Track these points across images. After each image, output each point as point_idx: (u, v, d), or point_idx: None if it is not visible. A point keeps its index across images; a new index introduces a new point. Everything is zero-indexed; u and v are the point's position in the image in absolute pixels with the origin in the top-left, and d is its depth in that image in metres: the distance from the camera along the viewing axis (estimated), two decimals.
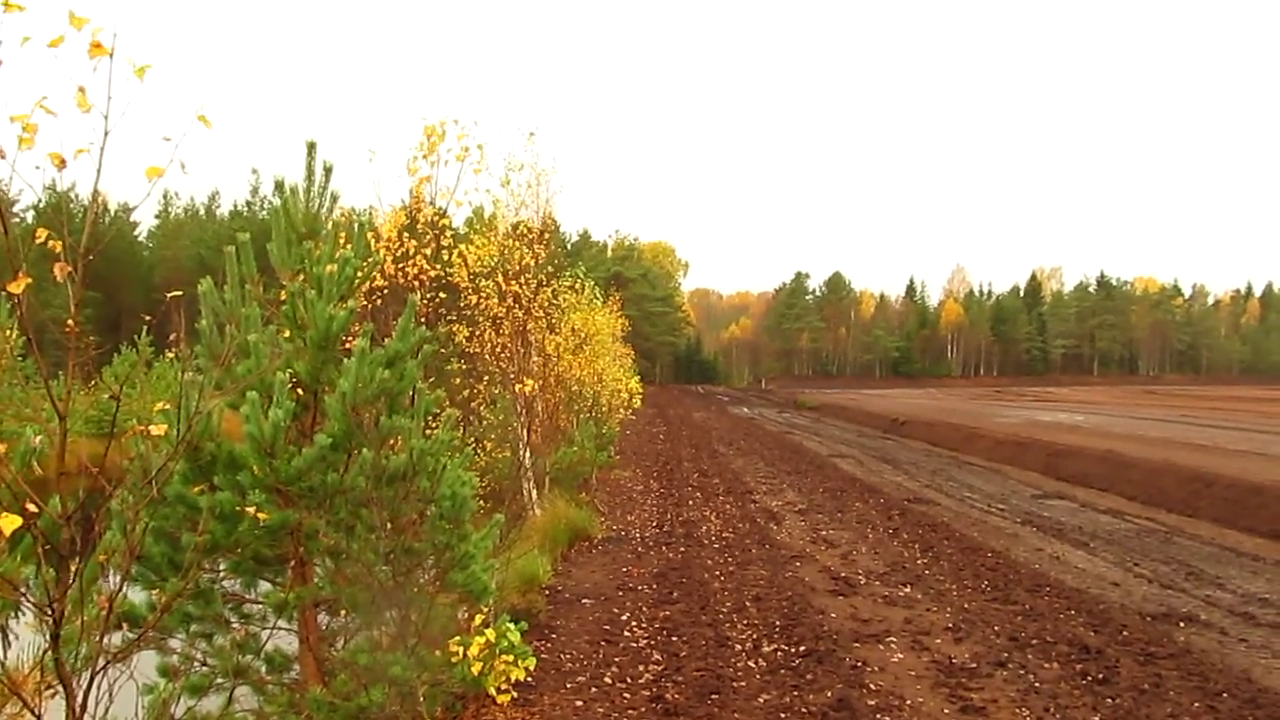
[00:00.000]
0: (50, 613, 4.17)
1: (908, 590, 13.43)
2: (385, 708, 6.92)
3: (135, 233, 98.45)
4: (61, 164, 3.58)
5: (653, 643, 10.81)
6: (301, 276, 7.45)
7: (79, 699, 4.43)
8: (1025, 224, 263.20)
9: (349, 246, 7.85)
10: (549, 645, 10.70)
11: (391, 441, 7.25)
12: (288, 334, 7.34)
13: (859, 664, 9.98)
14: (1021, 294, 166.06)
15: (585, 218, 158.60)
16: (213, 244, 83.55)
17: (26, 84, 3.75)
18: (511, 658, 8.03)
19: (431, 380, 9.86)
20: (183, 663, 6.96)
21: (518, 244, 16.52)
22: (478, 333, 16.69)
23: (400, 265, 12.16)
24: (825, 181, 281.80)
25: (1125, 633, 11.24)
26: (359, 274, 7.84)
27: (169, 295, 4.93)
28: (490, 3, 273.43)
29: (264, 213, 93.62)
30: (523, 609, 11.44)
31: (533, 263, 16.83)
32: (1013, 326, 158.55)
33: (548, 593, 13.09)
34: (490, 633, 7.92)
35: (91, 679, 4.54)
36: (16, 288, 3.65)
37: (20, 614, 5.27)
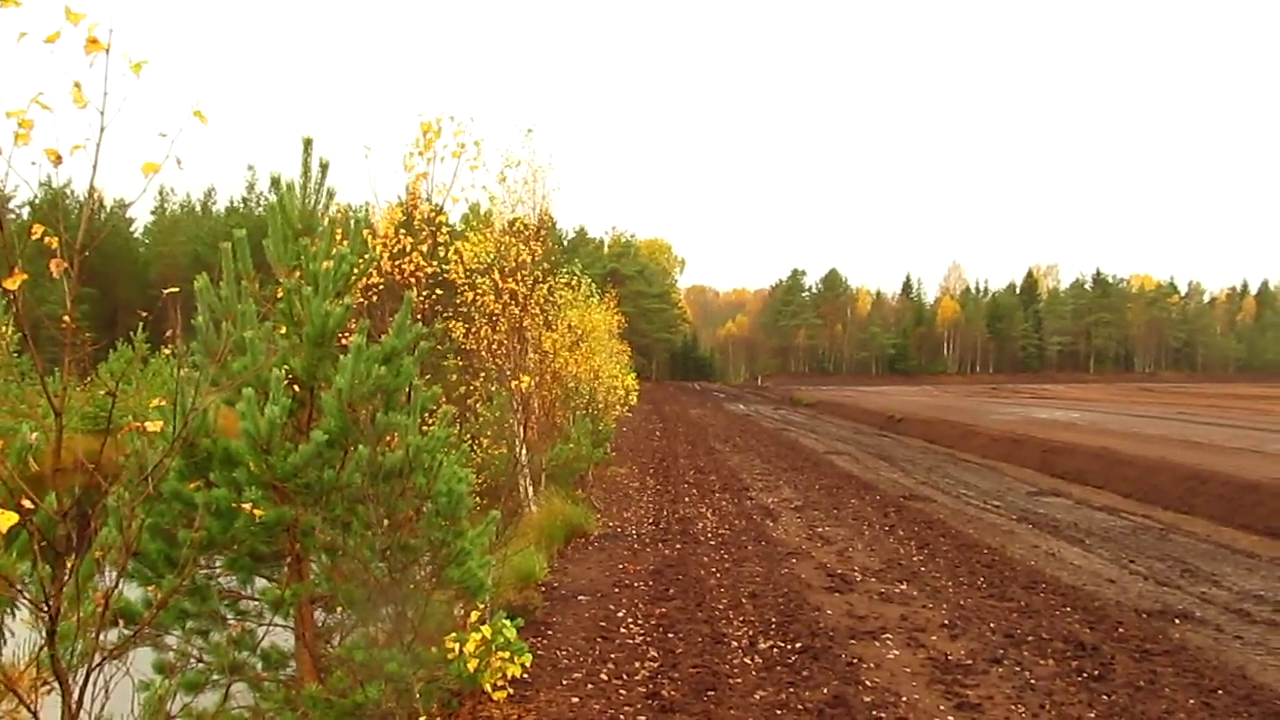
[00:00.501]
0: (46, 609, 4.16)
1: (904, 587, 13.44)
2: (381, 704, 6.92)
3: (131, 229, 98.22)
4: (58, 160, 3.57)
5: (649, 639, 10.82)
6: (298, 273, 7.44)
7: (75, 695, 4.43)
8: (1021, 221, 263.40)
9: (345, 243, 7.85)
10: (545, 642, 10.71)
11: (388, 438, 7.24)
12: (284, 330, 7.33)
13: (855, 661, 9.99)
14: (1018, 291, 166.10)
15: (581, 214, 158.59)
16: (209, 240, 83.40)
17: (23, 79, 3.75)
18: (507, 654, 8.02)
19: (428, 377, 9.85)
20: (179, 659, 6.96)
21: (514, 241, 16.52)
22: (474, 329, 16.68)
23: (397, 262, 12.15)
24: (822, 179, 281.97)
25: (1121, 629, 11.26)
26: (355, 271, 7.83)
27: (165, 292, 4.92)
28: (489, 1, 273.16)
29: (260, 209, 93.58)
30: (519, 605, 11.44)
31: (529, 259, 16.83)
32: (1009, 324, 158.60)
33: (544, 589, 13.10)
34: (486, 629, 7.91)
35: (87, 675, 4.54)
36: (12, 284, 3.65)
37: (16, 610, 5.27)
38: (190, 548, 5.98)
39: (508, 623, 8.14)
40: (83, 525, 4.65)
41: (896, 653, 10.33)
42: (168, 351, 34.30)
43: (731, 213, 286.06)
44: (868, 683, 9.28)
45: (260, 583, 7.49)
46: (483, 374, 17.70)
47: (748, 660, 10.01)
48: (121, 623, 6.01)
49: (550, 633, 11.11)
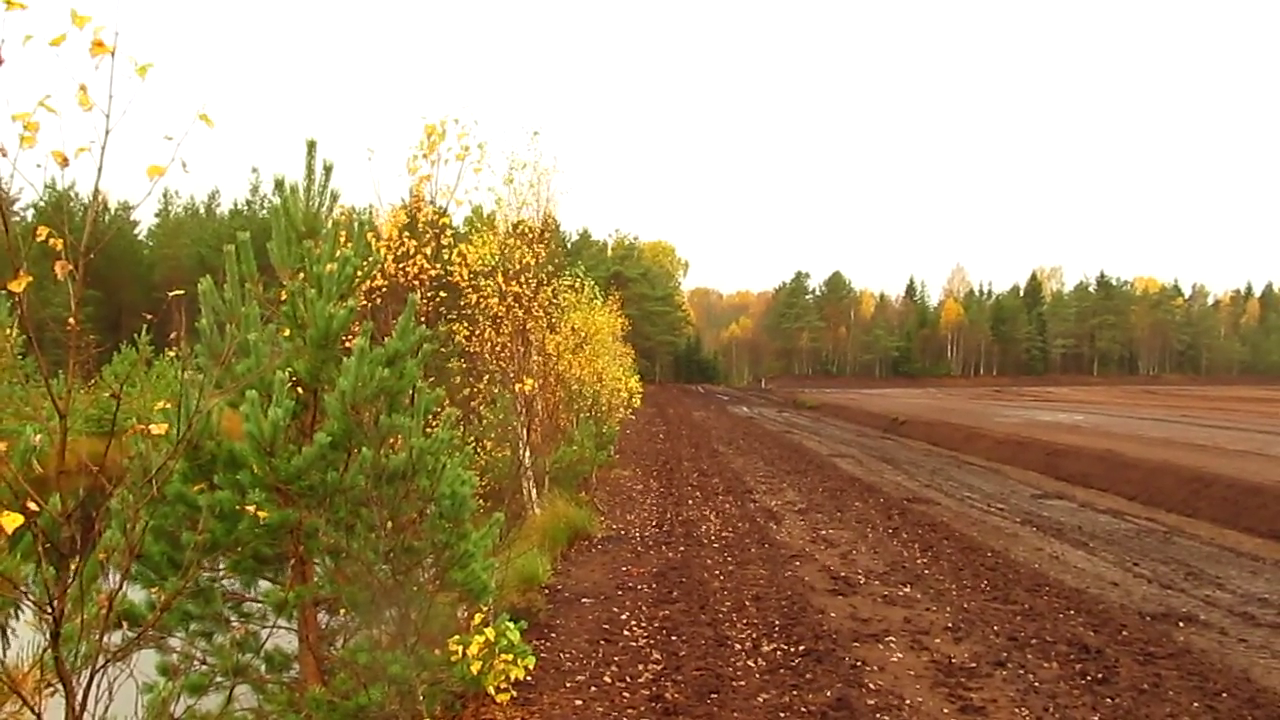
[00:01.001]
0: (50, 611, 4.17)
1: (907, 590, 13.43)
2: (384, 706, 6.93)
3: (135, 231, 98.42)
4: (64, 162, 3.58)
5: (652, 642, 10.82)
6: (301, 275, 7.45)
7: (79, 697, 4.43)
8: (1025, 224, 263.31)
9: (349, 245, 7.85)
10: (548, 644, 10.71)
11: (391, 440, 7.25)
12: (287, 333, 7.34)
13: (858, 663, 9.98)
14: (1021, 294, 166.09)
15: (585, 217, 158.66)
16: (213, 243, 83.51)
17: (29, 82, 3.76)
18: (511, 657, 8.03)
19: (431, 379, 9.85)
20: (182, 661, 6.97)
21: (518, 243, 16.53)
22: (478, 332, 16.69)
23: (400, 264, 12.15)
24: (825, 181, 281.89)
25: (1125, 632, 11.25)
26: (359, 273, 7.83)
27: (170, 294, 4.93)
28: (492, 2, 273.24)
29: (264, 211, 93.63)
30: (522, 608, 11.45)
31: (533, 262, 16.83)
32: (1013, 326, 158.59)
33: (547, 592, 13.10)
34: (490, 631, 7.92)
35: (91, 677, 4.54)
36: (17, 286, 3.66)
37: (20, 612, 5.28)
38: (194, 550, 5.98)
39: (511, 625, 8.15)
40: (87, 527, 4.66)
41: (900, 655, 10.33)
42: (172, 354, 34.34)
43: (735, 215, 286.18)
44: (871, 685, 9.28)
45: (264, 585, 7.49)
46: (486, 376, 17.69)
47: (751, 663, 10.01)
48: (125, 625, 6.02)
49: (553, 635, 11.11)
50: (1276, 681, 9.59)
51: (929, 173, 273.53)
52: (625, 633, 11.22)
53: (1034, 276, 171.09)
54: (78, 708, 4.40)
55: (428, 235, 12.55)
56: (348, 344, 7.42)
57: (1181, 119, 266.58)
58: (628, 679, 9.51)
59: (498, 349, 16.78)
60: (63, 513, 4.28)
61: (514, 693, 8.39)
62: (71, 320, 3.89)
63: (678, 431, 45.93)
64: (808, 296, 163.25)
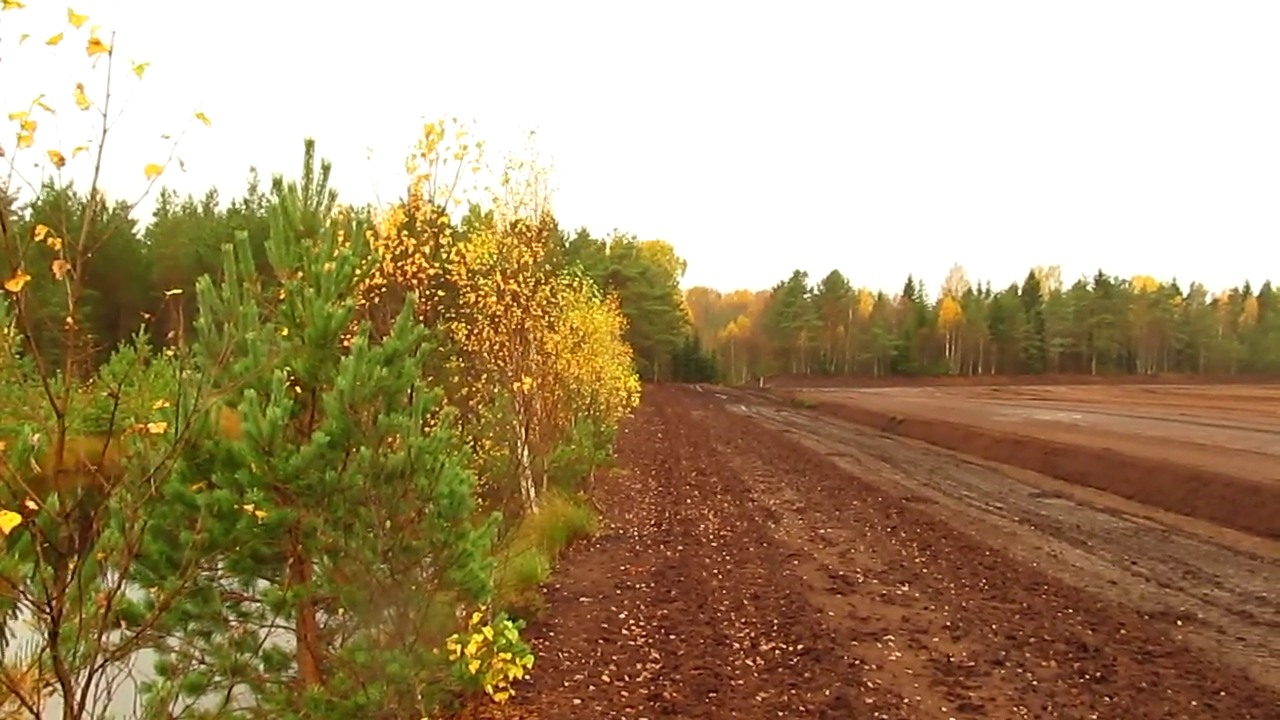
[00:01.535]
0: (48, 610, 4.17)
1: (906, 589, 13.44)
2: (383, 705, 6.93)
3: (133, 230, 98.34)
4: (60, 161, 3.58)
5: (651, 641, 10.82)
6: (300, 274, 7.45)
7: (77, 697, 4.43)
8: (1023, 222, 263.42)
9: (347, 245, 7.85)
10: (547, 643, 10.71)
11: (390, 439, 7.25)
12: (286, 332, 7.34)
13: (857, 662, 9.99)
14: (1020, 293, 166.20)
15: (583, 216, 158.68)
16: (211, 242, 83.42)
17: (26, 81, 3.76)
18: (509, 656, 8.02)
19: (430, 378, 9.86)
20: (181, 661, 6.97)
21: (516, 242, 16.53)
22: (476, 330, 16.70)
23: (399, 263, 12.17)
24: (823, 179, 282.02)
25: (1123, 631, 11.26)
26: (357, 272, 7.83)
27: (168, 294, 4.93)
28: (491, 2, 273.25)
29: (262, 211, 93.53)
30: (521, 607, 11.45)
31: (531, 261, 16.84)
32: (1011, 325, 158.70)
33: (546, 591, 13.10)
34: (488, 630, 7.91)
35: (90, 677, 4.54)
36: (15, 285, 3.65)
37: (18, 612, 5.27)
38: (192, 549, 5.98)
39: (509, 624, 8.14)
40: (85, 527, 4.66)
41: (898, 654, 10.33)
42: (170, 353, 34.30)
43: (733, 214, 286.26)
44: (870, 684, 9.28)
45: (262, 584, 7.49)
46: (485, 375, 17.70)
47: (749, 662, 10.01)
48: (124, 624, 6.02)
49: (552, 634, 11.11)
50: (1275, 680, 9.60)
51: (927, 171, 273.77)
52: (624, 632, 11.22)
53: (1032, 275, 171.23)
54: (76, 707, 4.40)
55: (426, 234, 12.57)
56: (346, 343, 7.42)
57: (1178, 116, 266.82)
58: (626, 678, 9.52)
59: (496, 348, 16.79)
60: (61, 512, 4.28)
61: (512, 691, 8.39)
62: (69, 320, 3.89)
63: (676, 430, 45.94)
64: (806, 295, 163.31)
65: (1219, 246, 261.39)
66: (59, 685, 4.37)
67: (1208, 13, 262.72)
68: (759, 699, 8.84)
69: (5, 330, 23.03)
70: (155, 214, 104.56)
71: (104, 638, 4.74)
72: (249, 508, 6.06)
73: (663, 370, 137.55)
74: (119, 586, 4.85)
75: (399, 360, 7.37)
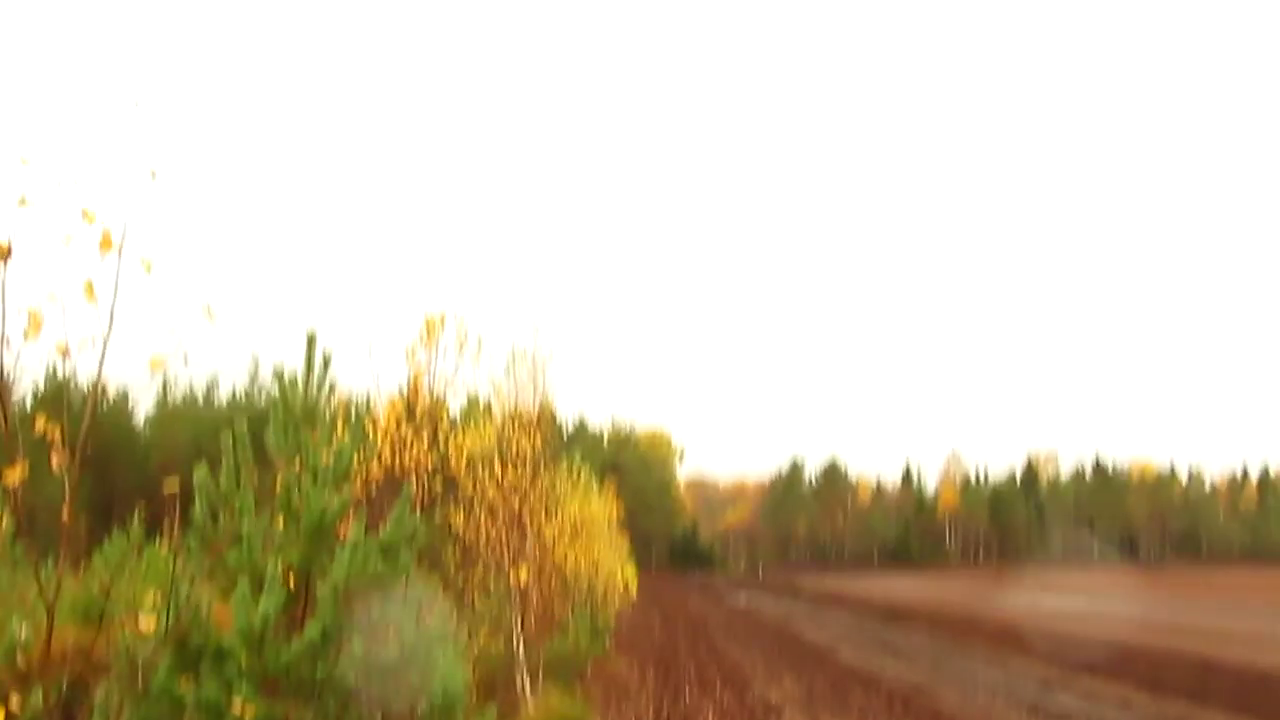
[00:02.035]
0: None
1: None
2: None
3: (133, 417, 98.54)
4: (67, 354, 3.64)
5: None
6: (298, 464, 7.46)
7: None
8: (1018, 406, 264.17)
9: (346, 435, 7.90)
10: None
11: (383, 633, 7.14)
12: (281, 523, 7.31)
13: None
14: (1018, 480, 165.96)
15: (581, 404, 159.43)
16: (210, 429, 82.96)
17: (36, 271, 3.84)
18: None
19: (426, 568, 9.77)
20: None
21: (515, 431, 16.60)
22: (473, 520, 16.60)
23: (397, 454, 12.20)
24: (820, 365, 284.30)
25: None
26: (355, 462, 7.85)
27: (166, 492, 4.93)
28: (490, 200, 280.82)
29: (262, 398, 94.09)
30: None
31: (530, 450, 16.87)
32: (1010, 513, 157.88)
33: None
34: None
35: None
36: (13, 478, 3.66)
37: None
38: None
39: None
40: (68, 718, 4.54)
41: None
42: (165, 549, 33.93)
43: (731, 399, 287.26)
44: None
45: None
46: (481, 565, 17.52)
47: None
48: None
49: None
50: None
51: (922, 357, 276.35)
52: None
53: (1030, 462, 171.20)
54: None
55: (425, 425, 12.64)
56: (342, 533, 7.39)
57: (1166, 303, 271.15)
58: None
59: (493, 538, 16.67)
60: (45, 711, 4.18)
61: None
62: (66, 513, 3.88)
63: (674, 621, 45.22)
64: (804, 484, 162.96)
65: (1215, 427, 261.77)
66: None
67: (1195, 183, 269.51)
68: None
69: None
70: (156, 402, 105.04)
71: None
72: (237, 706, 5.92)
73: (660, 559, 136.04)
74: None
75: (394, 551, 7.32)
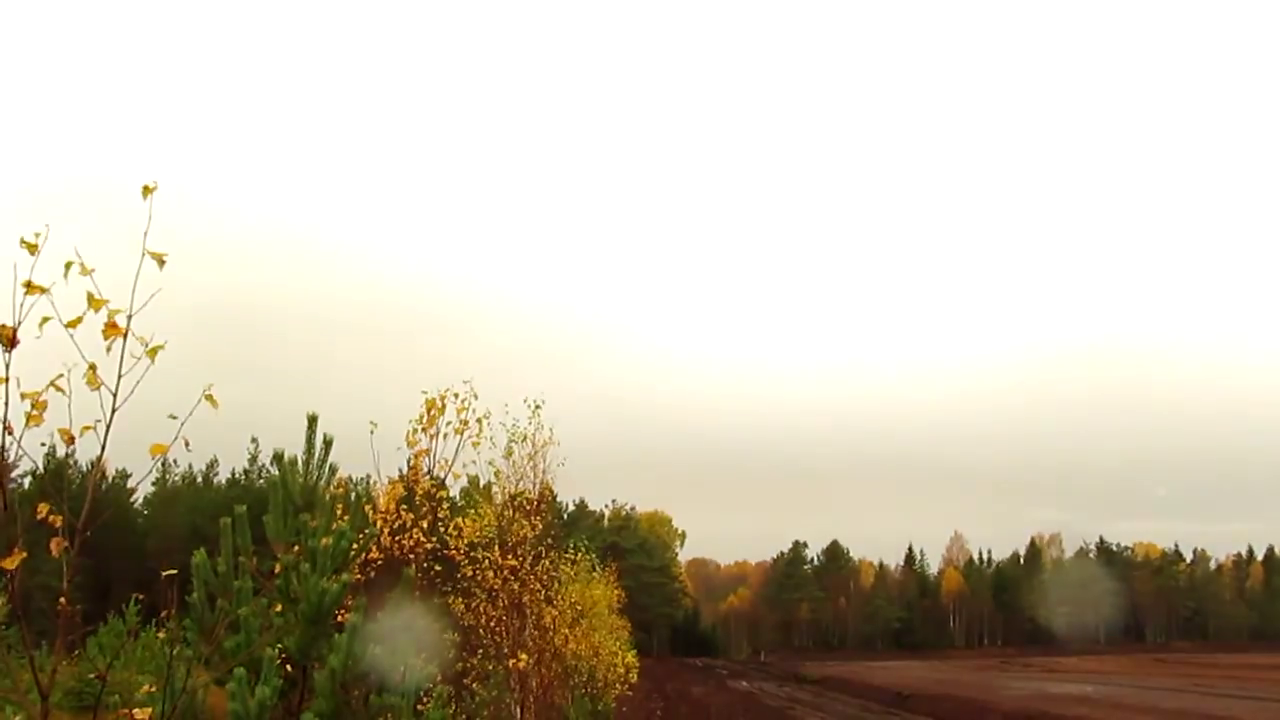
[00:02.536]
0: None
1: None
2: None
3: (132, 499, 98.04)
4: (70, 441, 3.64)
5: None
6: (296, 549, 7.41)
7: None
8: (1020, 487, 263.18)
9: (345, 519, 7.85)
10: None
11: None
12: (280, 608, 7.24)
13: None
14: (1021, 562, 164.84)
15: (581, 487, 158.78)
16: (208, 512, 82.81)
17: (37, 355, 3.85)
18: None
19: (424, 655, 9.65)
20: None
21: (515, 515, 16.51)
22: (473, 605, 16.44)
23: (397, 537, 12.12)
24: (819, 451, 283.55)
25: None
26: (355, 547, 7.80)
27: (164, 574, 4.89)
28: (485, 285, 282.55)
29: (261, 482, 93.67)
30: None
31: (530, 534, 16.77)
32: (1015, 595, 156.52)
33: None
34: None
35: None
36: (11, 564, 3.63)
37: None
38: None
39: None
40: None
41: None
42: (161, 635, 33.54)
43: (731, 485, 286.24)
44: None
45: None
46: (480, 651, 17.31)
47: None
48: None
49: None
50: None
51: (923, 440, 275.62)
52: None
53: (1033, 543, 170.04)
54: None
55: (425, 508, 12.58)
56: (341, 619, 7.31)
57: (1162, 384, 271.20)
58: None
59: (493, 623, 16.50)
60: None
61: None
62: (63, 600, 3.85)
63: (676, 708, 44.60)
64: (806, 567, 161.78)
65: (1219, 507, 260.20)
66: None
67: (1195, 272, 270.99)
68: None
69: None
70: (154, 483, 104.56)
71: None
72: None
73: (662, 643, 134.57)
74: None
75: (393, 638, 7.24)
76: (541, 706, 19.46)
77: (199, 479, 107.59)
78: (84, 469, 68.70)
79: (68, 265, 3.60)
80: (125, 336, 3.69)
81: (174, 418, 3.77)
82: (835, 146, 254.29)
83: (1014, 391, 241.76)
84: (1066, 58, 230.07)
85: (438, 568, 13.62)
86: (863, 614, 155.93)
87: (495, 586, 16.21)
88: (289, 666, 7.18)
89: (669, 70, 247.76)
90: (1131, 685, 50.63)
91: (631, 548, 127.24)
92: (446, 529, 13.49)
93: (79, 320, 3.61)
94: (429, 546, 12.52)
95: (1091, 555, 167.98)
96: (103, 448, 3.73)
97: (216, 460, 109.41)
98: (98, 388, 3.70)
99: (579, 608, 22.93)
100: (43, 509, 3.79)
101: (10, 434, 3.52)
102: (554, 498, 19.83)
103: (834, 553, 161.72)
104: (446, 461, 12.53)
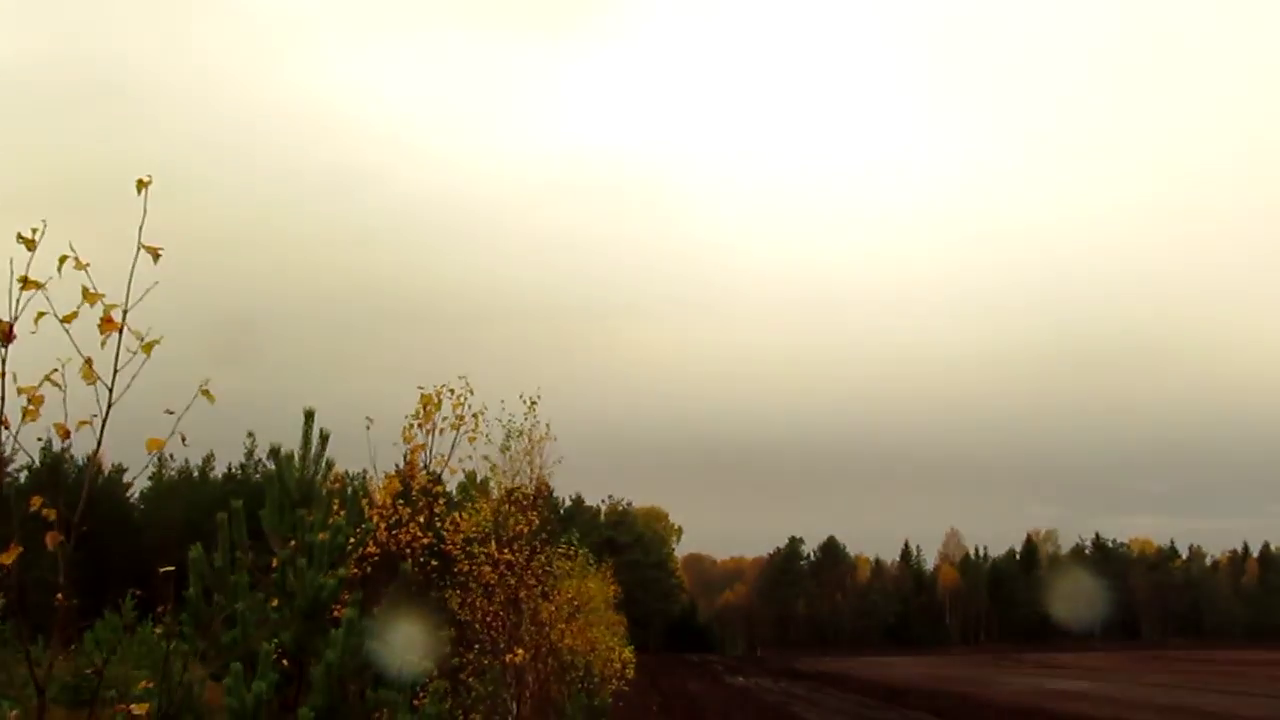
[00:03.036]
0: None
1: None
2: None
3: (128, 494, 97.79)
4: (65, 436, 3.63)
5: None
6: (293, 543, 7.42)
7: None
8: (1016, 481, 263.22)
9: (342, 513, 7.86)
10: None
11: (376, 715, 7.04)
12: (276, 603, 7.25)
13: None
14: (1017, 558, 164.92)
15: (578, 483, 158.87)
16: (205, 507, 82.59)
17: (33, 350, 3.84)
18: None
19: (420, 650, 9.65)
20: None
21: (512, 510, 16.51)
22: (469, 600, 16.44)
23: (393, 532, 12.12)
24: (817, 445, 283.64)
25: None
26: (351, 541, 7.81)
27: (161, 570, 4.89)
28: (480, 284, 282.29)
29: (258, 476, 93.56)
30: None
31: (526, 529, 16.76)
32: (1011, 591, 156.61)
33: None
34: None
35: None
36: (8, 559, 3.63)
37: None
38: None
39: None
40: None
41: None
42: (158, 630, 33.45)
43: (727, 479, 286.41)
44: None
45: None
46: (476, 646, 17.31)
47: None
48: None
49: None
50: None
51: (920, 434, 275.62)
52: None
53: (1029, 540, 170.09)
54: None
55: (421, 503, 12.58)
56: (337, 613, 7.31)
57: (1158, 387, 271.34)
58: None
59: (489, 618, 16.50)
60: None
61: None
62: (61, 595, 3.85)
63: (672, 703, 44.61)
64: (802, 563, 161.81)
65: (1214, 503, 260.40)
66: None
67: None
68: None
69: None
70: (150, 478, 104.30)
71: None
72: None
73: (658, 639, 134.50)
74: None
75: (390, 632, 7.25)
76: (538, 702, 19.46)
77: (195, 473, 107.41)
78: (80, 463, 68.67)
79: (62, 259, 3.60)
80: (121, 331, 3.69)
81: (170, 413, 3.77)
82: (835, 140, 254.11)
83: (1011, 388, 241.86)
84: (1065, 56, 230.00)
85: (434, 563, 13.63)
86: (859, 610, 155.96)
87: (491, 581, 16.21)
88: (285, 661, 7.19)
89: None
90: (1127, 682, 50.71)
91: (628, 543, 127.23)
92: (443, 524, 13.49)
93: (74, 315, 3.61)
94: (425, 542, 12.52)
95: (1088, 552, 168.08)
96: (99, 442, 3.73)
97: (213, 455, 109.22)
98: (94, 382, 3.70)
99: (575, 603, 22.92)
100: (37, 502, 3.79)
101: (7, 429, 3.52)
102: (550, 493, 19.83)
103: (830, 549, 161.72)
104: (443, 457, 12.54)
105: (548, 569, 19.02)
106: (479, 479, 17.72)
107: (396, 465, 13.67)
